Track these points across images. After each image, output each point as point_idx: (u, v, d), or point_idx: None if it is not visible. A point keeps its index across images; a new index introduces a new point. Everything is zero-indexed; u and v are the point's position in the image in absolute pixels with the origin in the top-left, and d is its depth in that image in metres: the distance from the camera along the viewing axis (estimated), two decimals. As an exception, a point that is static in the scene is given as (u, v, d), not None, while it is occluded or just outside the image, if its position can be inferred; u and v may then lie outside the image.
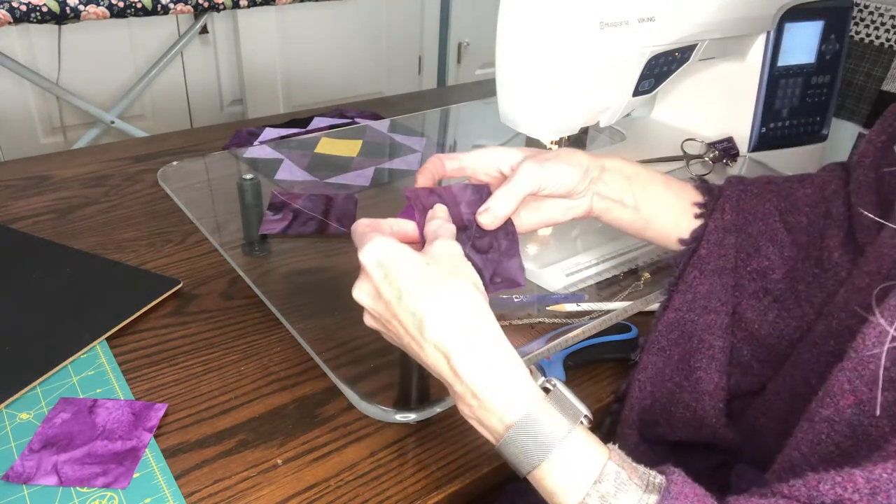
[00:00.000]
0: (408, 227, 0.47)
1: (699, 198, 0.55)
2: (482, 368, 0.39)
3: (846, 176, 0.53)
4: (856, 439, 0.36)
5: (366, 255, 0.42)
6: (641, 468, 0.37)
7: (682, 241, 0.55)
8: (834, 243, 0.50)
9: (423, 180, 0.51)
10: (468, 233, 0.49)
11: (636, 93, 0.71)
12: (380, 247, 0.42)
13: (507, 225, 0.50)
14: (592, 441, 0.38)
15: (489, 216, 0.48)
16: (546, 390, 0.40)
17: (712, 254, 0.52)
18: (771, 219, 0.52)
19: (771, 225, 0.52)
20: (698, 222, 0.54)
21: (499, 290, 0.48)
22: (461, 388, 0.39)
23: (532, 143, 0.75)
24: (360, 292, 0.43)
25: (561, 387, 0.40)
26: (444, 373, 0.40)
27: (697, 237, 0.53)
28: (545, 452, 0.37)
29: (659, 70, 0.72)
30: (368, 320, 0.45)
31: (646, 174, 0.55)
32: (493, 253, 0.49)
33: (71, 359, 0.57)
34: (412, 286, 0.40)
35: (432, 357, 0.40)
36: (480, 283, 0.43)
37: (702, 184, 0.56)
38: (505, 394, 0.38)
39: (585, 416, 0.39)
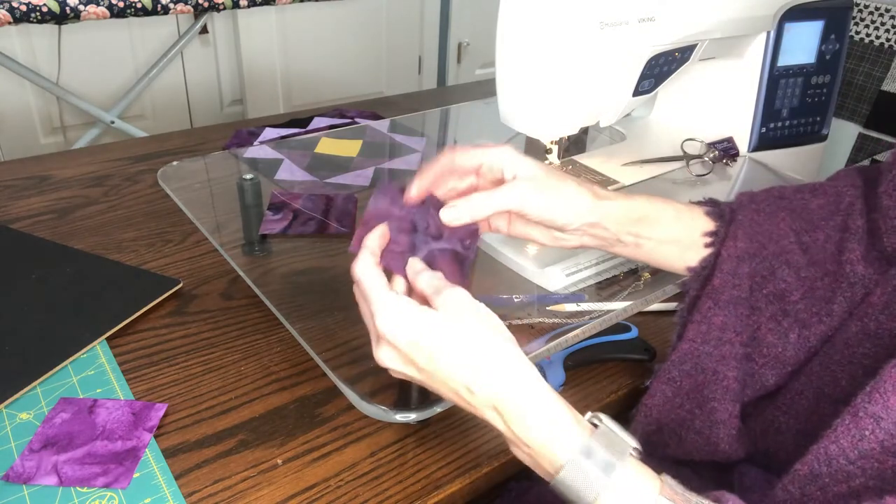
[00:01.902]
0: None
1: (710, 226, 0.53)
2: (531, 420, 0.39)
3: (862, 184, 0.52)
4: None
5: (386, 328, 0.41)
6: (695, 498, 0.37)
7: (690, 269, 0.53)
8: (855, 257, 0.49)
9: (426, 181, 0.50)
10: (425, 235, 0.48)
11: (636, 93, 0.71)
12: (398, 317, 0.41)
13: (470, 238, 0.49)
14: (643, 474, 0.38)
15: (451, 213, 0.47)
16: (595, 425, 0.40)
17: (726, 283, 0.50)
18: (785, 240, 0.51)
19: (785, 247, 0.51)
20: (708, 251, 0.53)
21: None
22: (513, 437, 0.40)
23: (532, 143, 0.75)
24: (388, 360, 0.43)
25: (607, 421, 0.40)
26: (497, 424, 0.41)
27: (707, 265, 0.52)
28: (595, 493, 0.37)
29: (659, 70, 0.72)
30: (392, 368, 0.44)
31: (655, 213, 0.52)
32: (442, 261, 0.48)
33: (71, 359, 0.57)
34: (448, 356, 0.40)
35: (486, 415, 0.41)
36: (502, 324, 0.42)
37: (713, 209, 0.54)
38: (553, 440, 0.39)
39: (634, 448, 0.39)
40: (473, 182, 0.52)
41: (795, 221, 0.52)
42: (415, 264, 0.46)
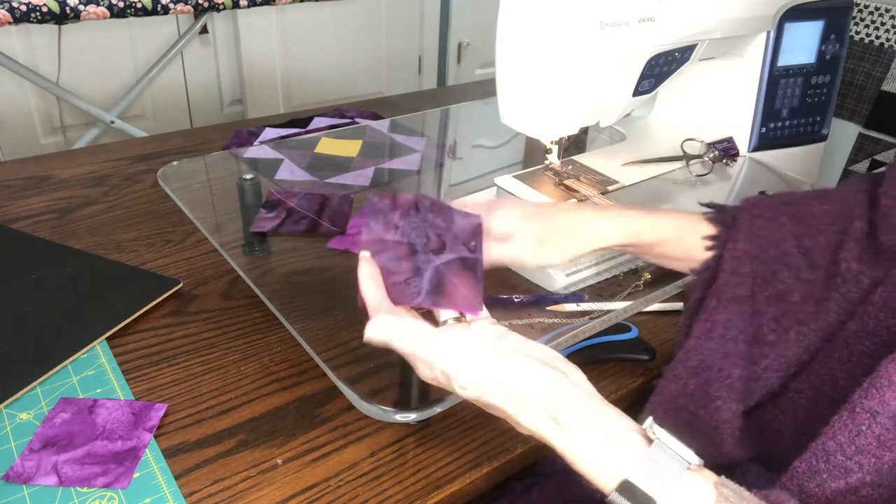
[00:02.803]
0: None
1: (711, 230, 0.55)
2: (585, 436, 0.39)
3: (870, 188, 0.52)
4: None
5: (426, 372, 0.43)
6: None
7: (693, 271, 0.55)
8: (851, 255, 0.49)
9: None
10: (426, 249, 0.47)
11: (636, 93, 0.71)
12: (434, 359, 0.42)
13: (474, 237, 0.49)
14: (698, 489, 0.37)
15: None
16: (650, 438, 0.39)
17: (729, 282, 0.51)
18: (785, 244, 0.52)
19: (785, 250, 0.52)
20: (709, 254, 0.54)
21: (440, 307, 0.46)
22: (564, 455, 0.40)
23: (532, 143, 0.75)
24: (433, 382, 0.44)
25: (662, 436, 0.39)
26: (547, 439, 0.40)
27: (708, 267, 0.53)
28: None
29: (659, 70, 0.72)
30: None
31: (651, 234, 0.55)
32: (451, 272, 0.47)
33: (71, 359, 0.57)
34: (489, 385, 0.41)
35: (539, 426, 0.40)
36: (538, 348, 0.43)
37: (716, 214, 0.56)
38: (603, 458, 0.38)
39: (690, 463, 0.38)
40: None
41: (797, 226, 0.52)
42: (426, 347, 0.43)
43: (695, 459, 0.38)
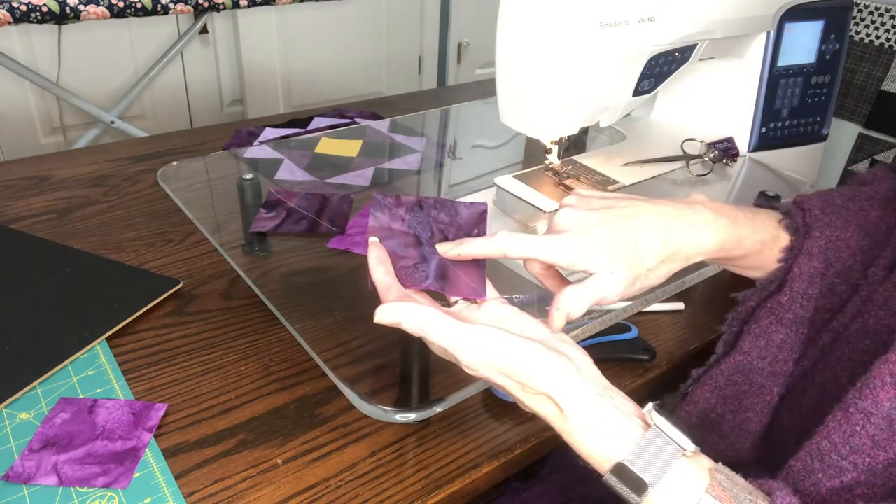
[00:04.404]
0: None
1: (785, 241, 0.51)
2: (583, 422, 0.39)
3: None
4: (891, 432, 0.37)
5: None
6: (743, 495, 0.36)
7: (760, 282, 0.51)
8: (884, 262, 0.49)
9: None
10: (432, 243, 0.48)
11: (636, 93, 0.71)
12: (442, 340, 0.41)
13: (478, 225, 0.49)
14: (691, 474, 0.37)
15: (454, 249, 0.46)
16: (647, 423, 0.40)
17: (794, 302, 0.49)
18: (852, 259, 0.49)
19: (851, 266, 0.49)
20: (779, 265, 0.50)
21: (449, 294, 0.46)
22: (565, 436, 0.41)
23: (532, 143, 0.75)
24: (446, 358, 0.43)
25: (660, 423, 0.39)
26: (548, 417, 0.41)
27: (776, 279, 0.50)
28: (641, 493, 0.37)
29: (659, 70, 0.72)
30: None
31: (736, 248, 0.48)
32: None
33: (71, 359, 0.57)
34: (494, 367, 0.40)
35: (539, 404, 0.41)
36: (538, 326, 0.43)
37: (788, 221, 0.51)
38: (603, 443, 0.39)
39: (686, 450, 0.39)
40: None
41: (864, 239, 0.50)
42: (433, 321, 0.42)
43: (690, 446, 0.39)
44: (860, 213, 0.51)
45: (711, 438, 0.51)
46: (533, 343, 0.40)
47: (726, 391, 0.51)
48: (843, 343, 0.47)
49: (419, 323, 0.41)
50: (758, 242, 0.49)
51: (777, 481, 0.38)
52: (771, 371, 0.49)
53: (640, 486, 0.37)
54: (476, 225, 0.49)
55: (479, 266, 0.47)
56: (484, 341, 0.40)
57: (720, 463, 0.39)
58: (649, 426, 0.39)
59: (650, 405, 0.40)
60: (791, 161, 0.91)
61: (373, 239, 0.46)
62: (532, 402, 0.41)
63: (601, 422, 0.39)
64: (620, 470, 0.38)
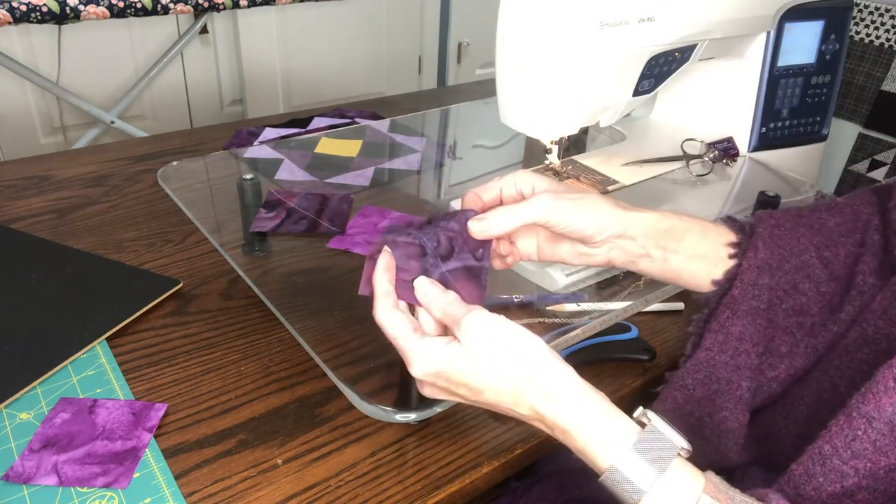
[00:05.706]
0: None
1: (733, 237, 0.53)
2: (571, 424, 0.41)
3: (878, 201, 0.52)
4: (893, 437, 0.37)
5: (420, 374, 0.44)
6: (738, 497, 0.37)
7: (714, 283, 0.52)
8: (868, 269, 0.49)
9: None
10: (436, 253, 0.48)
11: (636, 93, 0.71)
12: (428, 362, 0.43)
13: (482, 247, 0.49)
14: (688, 473, 0.39)
15: (479, 226, 0.48)
16: (643, 424, 0.41)
17: (746, 294, 0.50)
18: (806, 254, 0.50)
19: (807, 261, 0.50)
20: (732, 262, 0.52)
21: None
22: (563, 437, 0.42)
23: (532, 143, 0.75)
24: (434, 395, 0.46)
25: (656, 421, 0.41)
26: (545, 430, 0.43)
27: (731, 277, 0.51)
28: (639, 494, 0.38)
29: (659, 70, 0.72)
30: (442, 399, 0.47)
31: (682, 226, 0.52)
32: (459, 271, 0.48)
33: (71, 359, 0.57)
34: (483, 383, 0.42)
35: (536, 425, 0.43)
36: (527, 333, 0.43)
37: (734, 223, 0.54)
38: (597, 441, 0.40)
39: (683, 448, 0.40)
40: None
41: (815, 237, 0.51)
42: (423, 287, 0.46)
43: (686, 445, 0.39)
44: (812, 217, 0.52)
45: (697, 444, 0.51)
46: (507, 345, 0.42)
47: (696, 392, 0.51)
48: (841, 352, 0.47)
49: (397, 337, 0.44)
50: (696, 226, 0.52)
51: (771, 490, 0.38)
52: (734, 365, 0.50)
53: (634, 491, 0.38)
54: (481, 245, 0.49)
55: (479, 286, 0.48)
56: (455, 371, 0.43)
57: (709, 471, 0.39)
58: (644, 425, 0.40)
59: (641, 409, 0.41)
60: (791, 161, 0.91)
61: (385, 248, 0.48)
62: (518, 416, 0.43)
63: (593, 423, 0.40)
64: (617, 471, 0.38)
